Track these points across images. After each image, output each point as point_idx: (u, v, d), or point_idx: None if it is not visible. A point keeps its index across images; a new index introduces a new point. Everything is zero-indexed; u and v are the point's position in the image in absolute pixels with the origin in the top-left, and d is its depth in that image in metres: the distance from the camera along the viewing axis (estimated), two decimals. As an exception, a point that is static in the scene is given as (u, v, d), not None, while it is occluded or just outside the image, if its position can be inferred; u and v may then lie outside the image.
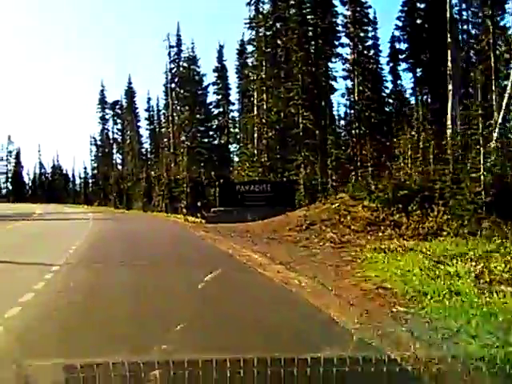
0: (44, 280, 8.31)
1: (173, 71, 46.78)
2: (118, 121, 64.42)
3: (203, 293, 7.48)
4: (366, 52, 32.60)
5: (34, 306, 6.51)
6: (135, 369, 3.23)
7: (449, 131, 21.71)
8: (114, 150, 65.92)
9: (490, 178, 14.62)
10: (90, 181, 73.17)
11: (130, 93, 60.97)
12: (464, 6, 30.51)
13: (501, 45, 26.28)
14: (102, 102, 65.26)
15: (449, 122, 22.59)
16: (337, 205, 18.76)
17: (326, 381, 3.26)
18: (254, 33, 35.96)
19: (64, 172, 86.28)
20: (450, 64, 23.76)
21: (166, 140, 49.67)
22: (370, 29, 32.41)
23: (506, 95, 19.02)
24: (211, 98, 45.67)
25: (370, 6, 31.89)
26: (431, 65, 29.15)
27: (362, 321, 5.67)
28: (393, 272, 8.20)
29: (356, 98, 31.39)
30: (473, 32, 31.41)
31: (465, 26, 31.23)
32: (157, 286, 8.08)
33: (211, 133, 44.07)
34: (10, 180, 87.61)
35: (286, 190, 25.06)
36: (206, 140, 42.62)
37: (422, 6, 31.72)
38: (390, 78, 33.75)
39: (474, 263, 8.18)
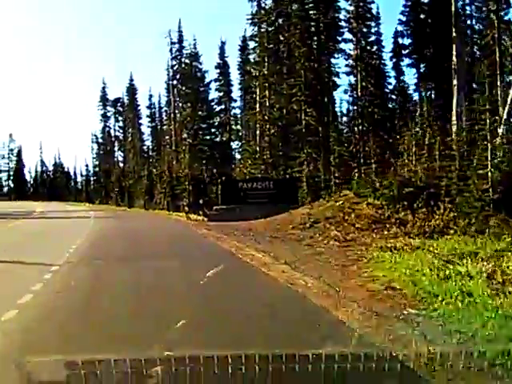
0: (43, 280, 8.19)
1: (174, 68, 46.58)
2: (120, 118, 64.22)
3: (205, 294, 7.30)
4: (369, 47, 32.27)
5: (32, 308, 6.40)
6: (137, 365, 3.20)
7: (454, 127, 21.48)
8: (116, 148, 65.72)
9: (497, 174, 14.37)
10: (92, 179, 73.05)
11: (131, 90, 60.79)
12: (468, 0, 30.28)
13: (506, 39, 25.96)
14: (104, 99, 65.00)
15: (454, 118, 22.36)
16: (341, 202, 18.56)
17: (327, 377, 3.24)
18: (256, 29, 35.75)
19: (65, 170, 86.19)
20: (454, 59, 23.51)
21: (167, 137, 49.49)
22: (373, 24, 32.14)
23: (511, 90, 18.78)
24: (213, 94, 45.52)
25: (373, 1, 31.65)
26: (435, 60, 28.85)
27: (372, 324, 5.48)
28: (401, 272, 8.00)
29: (359, 94, 31.10)
30: (477, 27, 31.21)
31: (469, 21, 31.02)
32: (157, 286, 7.95)
33: (213, 130, 43.76)
34: (11, 178, 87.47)
35: (288, 188, 24.87)
36: (208, 137, 42.31)
37: (426, 0, 31.46)
38: (393, 73, 33.52)
39: (484, 263, 7.94)
